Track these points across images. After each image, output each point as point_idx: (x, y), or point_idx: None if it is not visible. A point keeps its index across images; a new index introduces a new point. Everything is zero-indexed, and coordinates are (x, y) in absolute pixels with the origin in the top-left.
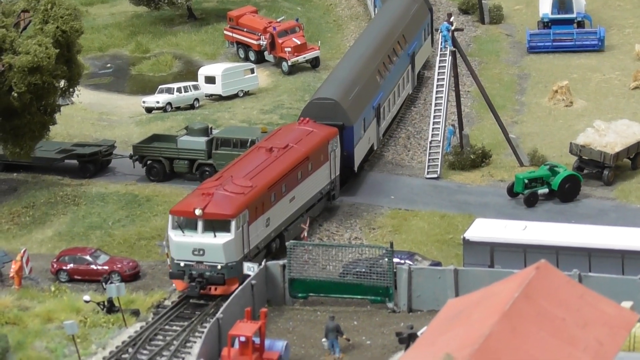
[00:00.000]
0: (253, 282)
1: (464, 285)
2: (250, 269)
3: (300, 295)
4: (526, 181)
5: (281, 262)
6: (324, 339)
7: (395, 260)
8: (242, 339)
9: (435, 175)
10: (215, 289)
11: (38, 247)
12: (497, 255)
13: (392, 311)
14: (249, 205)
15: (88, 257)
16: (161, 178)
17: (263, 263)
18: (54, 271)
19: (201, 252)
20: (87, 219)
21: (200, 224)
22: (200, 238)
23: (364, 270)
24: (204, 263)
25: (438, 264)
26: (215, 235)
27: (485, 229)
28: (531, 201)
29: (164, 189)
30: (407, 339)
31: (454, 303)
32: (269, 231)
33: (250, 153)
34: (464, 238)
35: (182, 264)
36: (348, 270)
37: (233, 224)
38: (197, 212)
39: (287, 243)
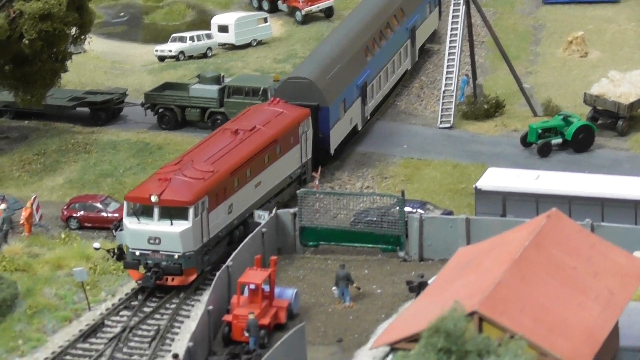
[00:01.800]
0: (263, 230)
1: (476, 235)
2: (260, 216)
3: (310, 243)
4: (540, 131)
5: (292, 210)
6: (334, 288)
7: (407, 209)
8: (252, 286)
9: (448, 125)
10: (172, 279)
11: (48, 194)
12: (509, 204)
13: (403, 260)
14: (209, 192)
15: (98, 205)
16: (173, 126)
17: (274, 211)
18: (64, 218)
19: (157, 241)
20: (98, 167)
21: (156, 211)
22: (156, 226)
23: (375, 218)
24: (160, 252)
25: (450, 213)
26: (172, 223)
27: (498, 178)
28: (545, 151)
29: (175, 137)
30: (417, 288)
31: (465, 251)
32: (231, 218)
33: (215, 135)
34: (475, 187)
35: (137, 252)
36: (359, 219)
37: (191, 211)
38: (153, 198)
39: (298, 191)
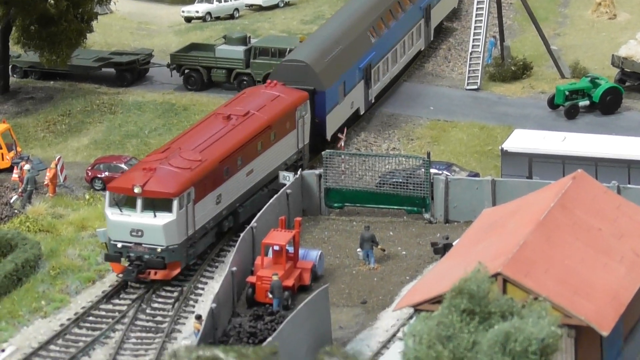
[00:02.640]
0: (288, 191)
1: (502, 196)
2: (285, 178)
3: (335, 205)
4: (567, 93)
5: (317, 171)
6: (359, 249)
7: (433, 170)
8: (276, 247)
9: (475, 87)
10: (155, 273)
11: (73, 155)
12: (535, 166)
13: (429, 222)
14: (195, 182)
15: (123, 165)
16: (198, 87)
17: (299, 172)
18: (89, 179)
19: (140, 233)
20: (123, 128)
21: (139, 203)
22: (139, 218)
23: (400, 180)
24: (143, 245)
25: (476, 174)
26: (155, 215)
27: (524, 140)
28: (572, 113)
29: (201, 98)
30: (442, 250)
31: (490, 213)
32: (220, 209)
33: (206, 121)
34: (502, 149)
35: (119, 245)
36: (385, 181)
37: (175, 203)
38: (136, 189)
39: (323, 152)
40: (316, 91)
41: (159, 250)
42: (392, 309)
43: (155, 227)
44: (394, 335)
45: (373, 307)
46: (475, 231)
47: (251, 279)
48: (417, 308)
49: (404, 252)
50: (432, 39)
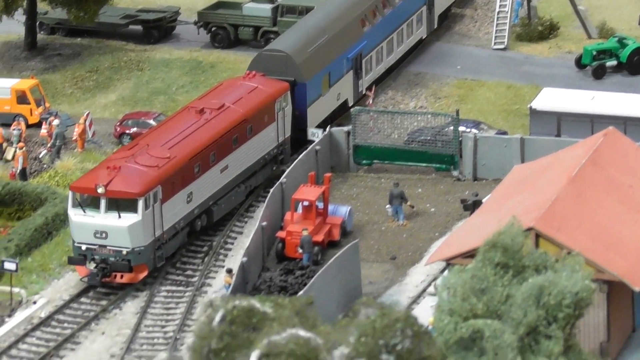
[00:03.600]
0: (317, 147)
1: (530, 154)
2: (314, 134)
3: (364, 162)
4: (594, 53)
5: (345, 128)
6: (387, 206)
7: (461, 128)
8: (306, 203)
9: (502, 46)
10: (122, 276)
11: (101, 111)
12: (564, 125)
13: (457, 179)
14: (162, 181)
15: (151, 121)
16: (225, 45)
17: (327, 129)
18: (117, 135)
19: (104, 235)
20: (150, 84)
21: (103, 203)
22: (103, 219)
23: (429, 138)
24: (108, 247)
25: (504, 133)
26: (120, 216)
27: (553, 99)
28: (599, 73)
29: (228, 55)
30: (471, 206)
31: (520, 169)
32: (191, 207)
33: (178, 115)
34: (530, 107)
35: (83, 247)
36: (413, 138)
37: (140, 203)
38: (99, 189)
39: (352, 110)
40: (297, 82)
41: (124, 252)
42: (424, 263)
43: (120, 228)
44: (423, 290)
45: (402, 263)
46: (506, 187)
47: (281, 234)
48: (450, 262)
49: (432, 209)
50: (435, 26)
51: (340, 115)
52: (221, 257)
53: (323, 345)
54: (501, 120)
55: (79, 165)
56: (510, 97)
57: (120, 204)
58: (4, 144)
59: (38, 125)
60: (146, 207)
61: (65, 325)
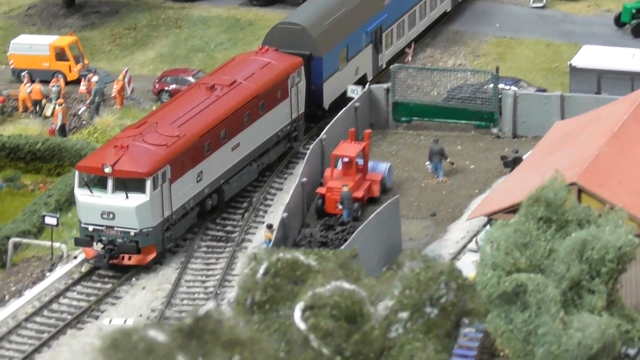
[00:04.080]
0: (357, 104)
1: (570, 112)
2: (353, 91)
3: (403, 119)
4: (634, 11)
5: (385, 85)
6: (427, 162)
7: (500, 85)
8: (346, 159)
9: (541, 4)
10: (129, 258)
11: (140, 68)
12: (603, 82)
13: (497, 136)
14: (171, 160)
15: (190, 78)
16: (264, 2)
17: (367, 86)
18: (156, 92)
19: (111, 216)
20: (189, 42)
21: (110, 183)
22: (110, 199)
23: (468, 95)
24: (115, 228)
25: (544, 90)
26: (127, 197)
27: (593, 56)
28: (638, 31)
29: (266, 13)
30: (512, 163)
31: (562, 125)
32: (201, 187)
33: (188, 92)
34: (570, 65)
35: (90, 228)
36: (452, 95)
37: (148, 183)
38: (106, 169)
39: (391, 67)
40: (313, 57)
41: (132, 234)
42: (466, 219)
43: (128, 209)
44: (464, 247)
45: (442, 220)
46: (548, 143)
47: (321, 190)
48: (491, 217)
49: (472, 166)
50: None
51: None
52: (261, 213)
53: (367, 297)
54: (540, 78)
55: (118, 121)
56: (549, 55)
57: (128, 184)
58: (43, 101)
59: (77, 82)
60: (154, 187)
61: (106, 280)
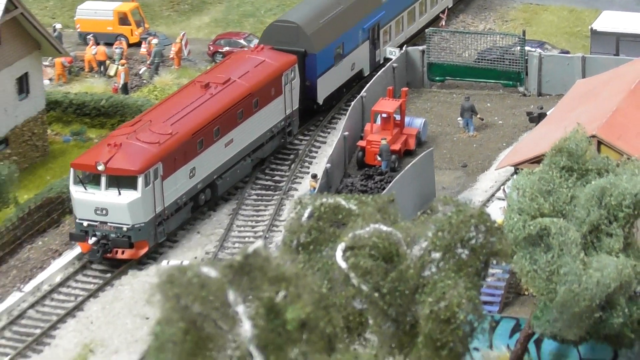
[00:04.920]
0: (394, 65)
1: (591, 72)
2: (392, 53)
3: (437, 78)
4: None
5: (420, 47)
6: (459, 118)
7: (527, 48)
8: (384, 115)
9: None
10: (123, 252)
11: (196, 32)
12: (622, 45)
13: (523, 95)
14: (163, 158)
15: (242, 41)
16: None
17: (404, 48)
18: (211, 53)
19: (104, 212)
20: (241, 8)
21: (103, 180)
22: (103, 196)
23: (497, 56)
24: (108, 224)
25: (566, 52)
26: (120, 193)
27: (612, 21)
28: None
29: None
30: (537, 118)
31: (583, 83)
32: (194, 182)
33: (183, 90)
34: (591, 28)
35: (85, 223)
36: (483, 57)
37: (140, 180)
38: (99, 166)
39: (426, 30)
40: (307, 53)
41: (124, 229)
42: (494, 169)
43: (120, 205)
44: (492, 195)
45: (473, 170)
46: (570, 99)
47: (361, 143)
48: (518, 167)
49: (500, 122)
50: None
51: (356, 83)
52: (306, 164)
53: (403, 239)
54: (563, 42)
55: (176, 81)
56: (572, 21)
57: (120, 181)
58: (107, 62)
59: (138, 44)
60: (146, 184)
61: None
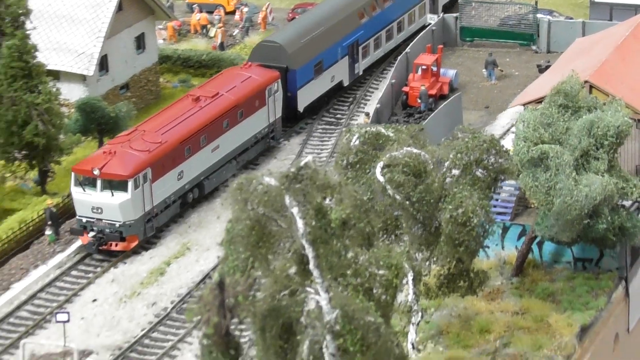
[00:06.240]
0: (433, 28)
1: (589, 34)
2: (431, 18)
3: (468, 39)
4: None
5: (454, 14)
6: (483, 70)
7: (539, 15)
8: (424, 67)
9: None
10: (116, 245)
11: (279, 2)
12: (614, 12)
13: (535, 52)
14: (152, 164)
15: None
16: None
17: (441, 14)
18: (289, 19)
19: (100, 210)
20: None
21: (98, 183)
22: (99, 197)
23: (515, 22)
24: (103, 220)
25: (570, 18)
26: (112, 195)
27: None
28: None
29: None
30: (545, 70)
31: (580, 41)
32: (182, 183)
33: (177, 103)
34: (591, 0)
35: (84, 220)
36: (504, 22)
37: (130, 184)
38: (95, 171)
39: (459, 0)
40: (289, 69)
41: (117, 225)
42: (508, 107)
43: (113, 205)
44: (508, 130)
45: (493, 111)
46: (569, 54)
47: (405, 88)
48: (526, 105)
49: (516, 73)
50: (440, 14)
51: (335, 93)
52: (361, 105)
53: (430, 159)
54: (569, 10)
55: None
56: None
57: (113, 184)
58: (208, 26)
59: (232, 12)
60: (135, 187)
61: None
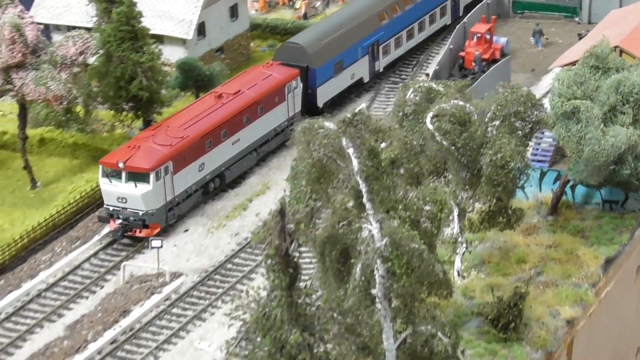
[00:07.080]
0: (489, 2)
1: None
2: None
3: (519, 11)
4: None
5: None
6: (531, 38)
7: None
8: (479, 34)
9: None
10: (140, 231)
11: None
12: None
13: (578, 23)
14: (173, 157)
15: None
16: None
17: None
18: None
19: (124, 200)
20: None
21: (123, 175)
22: (124, 188)
23: None
24: (128, 209)
25: None
26: (136, 186)
27: None
28: None
29: None
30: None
31: (615, 12)
32: (203, 174)
33: (201, 99)
34: None
35: (110, 208)
36: None
37: (152, 176)
38: (120, 164)
39: None
40: (309, 68)
41: (140, 214)
42: (548, 68)
43: (136, 195)
44: (549, 90)
45: (538, 73)
46: (604, 24)
47: (461, 53)
48: (563, 67)
49: (560, 41)
50: (460, 14)
51: (357, 88)
52: (423, 67)
53: (474, 110)
54: None
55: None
56: None
57: (136, 176)
58: None
59: None
60: (157, 178)
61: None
